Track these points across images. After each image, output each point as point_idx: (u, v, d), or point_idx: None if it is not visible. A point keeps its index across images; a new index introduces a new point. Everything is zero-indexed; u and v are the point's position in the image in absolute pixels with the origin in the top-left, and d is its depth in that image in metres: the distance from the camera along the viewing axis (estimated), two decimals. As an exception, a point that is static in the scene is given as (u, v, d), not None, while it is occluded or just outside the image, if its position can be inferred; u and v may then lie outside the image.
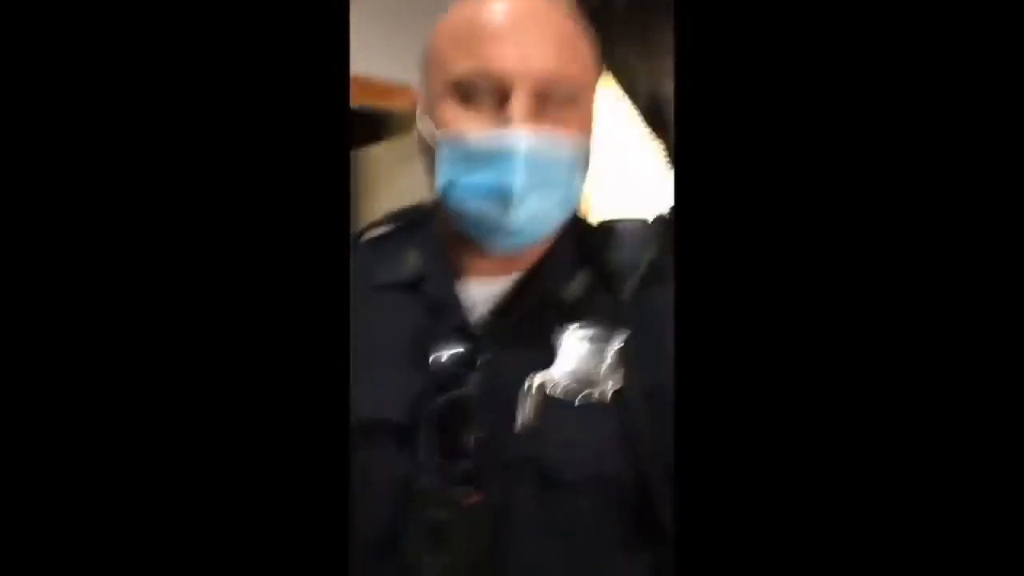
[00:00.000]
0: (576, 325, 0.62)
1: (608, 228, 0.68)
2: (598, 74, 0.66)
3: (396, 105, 2.63)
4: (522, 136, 0.58)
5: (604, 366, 0.61)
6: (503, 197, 0.58)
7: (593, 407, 0.60)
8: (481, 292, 0.66)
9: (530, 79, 0.58)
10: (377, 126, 2.91)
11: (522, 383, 0.60)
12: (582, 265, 0.65)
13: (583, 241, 0.67)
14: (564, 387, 0.60)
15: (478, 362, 0.61)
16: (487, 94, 0.59)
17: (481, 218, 0.61)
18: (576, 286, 0.64)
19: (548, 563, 0.60)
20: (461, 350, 0.61)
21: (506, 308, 0.65)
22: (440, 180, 0.62)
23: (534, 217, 0.61)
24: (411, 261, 0.68)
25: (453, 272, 0.67)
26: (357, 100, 2.45)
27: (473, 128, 0.60)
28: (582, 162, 0.63)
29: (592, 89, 0.65)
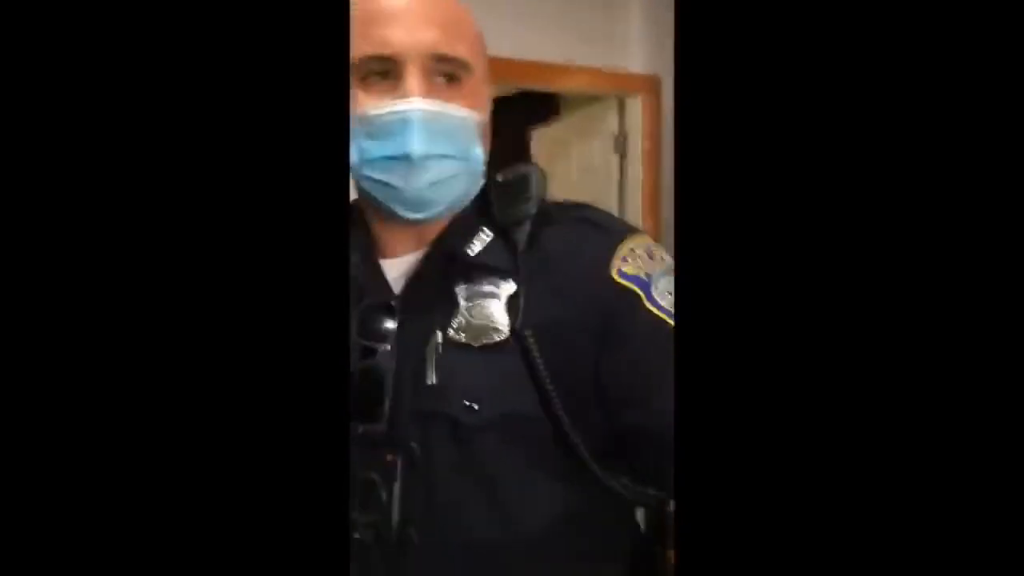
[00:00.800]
0: (476, 278, 0.67)
1: (501, 184, 0.72)
2: (484, 55, 0.70)
3: (566, 85, 2.66)
4: (417, 106, 0.63)
5: (500, 311, 0.66)
6: (405, 164, 0.63)
7: (493, 350, 0.65)
8: (400, 267, 0.71)
9: (420, 56, 0.63)
10: (548, 106, 2.97)
11: (429, 341, 0.66)
12: (482, 224, 0.70)
13: (484, 202, 0.71)
14: (465, 334, 0.66)
15: (392, 332, 0.67)
16: (384, 74, 0.64)
17: (388, 188, 0.65)
18: (476, 244, 0.69)
19: (471, 506, 0.65)
20: (380, 323, 0.68)
21: (418, 277, 0.70)
22: (352, 157, 0.65)
23: (436, 184, 0.65)
24: None
25: (375, 254, 0.72)
26: (528, 82, 2.51)
27: (374, 106, 0.64)
28: (478, 135, 0.68)
29: (480, 69, 0.68)
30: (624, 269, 0.65)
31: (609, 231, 0.69)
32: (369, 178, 0.65)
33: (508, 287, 0.66)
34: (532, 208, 0.69)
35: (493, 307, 0.66)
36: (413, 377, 0.66)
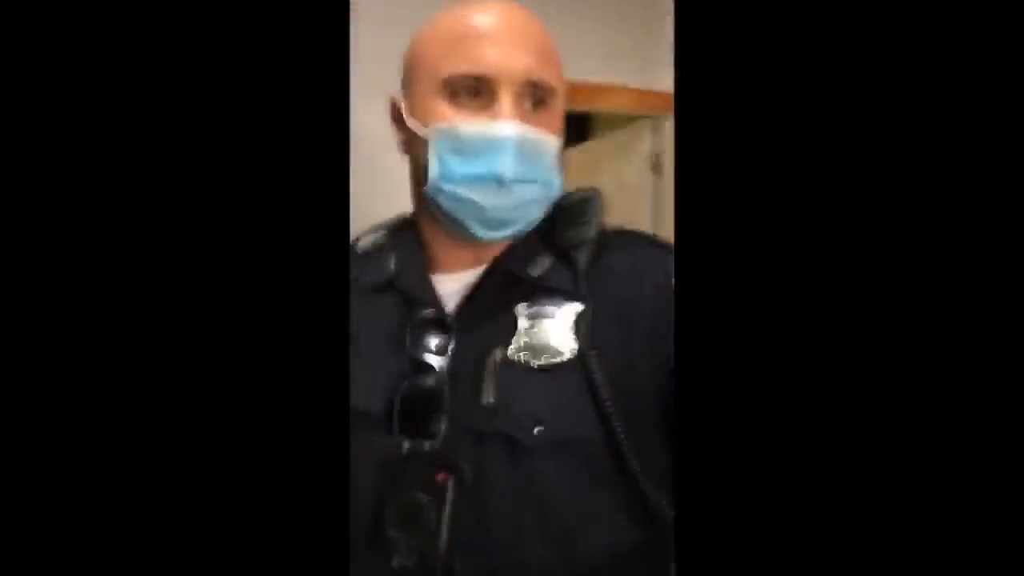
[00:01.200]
0: (538, 299, 0.66)
1: (563, 207, 0.71)
2: (564, 81, 0.70)
3: (602, 105, 2.67)
4: (512, 130, 0.63)
5: (563, 332, 0.64)
6: (495, 183, 0.63)
7: (554, 371, 0.63)
8: (455, 283, 0.70)
9: (513, 79, 0.63)
10: (580, 127, 2.98)
11: (488, 359, 0.64)
12: (544, 246, 0.69)
13: (546, 224, 0.70)
14: (527, 355, 0.64)
15: (447, 348, 0.66)
16: (475, 92, 0.64)
17: (471, 205, 0.64)
18: (538, 265, 0.68)
19: (524, 530, 0.62)
20: (432, 338, 0.66)
21: (475, 294, 0.69)
22: (433, 171, 0.65)
23: (519, 206, 0.65)
24: (388, 264, 0.73)
25: (427, 268, 0.71)
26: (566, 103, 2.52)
27: (463, 122, 0.64)
28: (557, 160, 0.68)
29: (561, 96, 0.69)
30: None
31: (670, 250, 0.68)
32: (451, 193, 0.64)
33: (570, 308, 0.65)
34: (592, 231, 0.69)
35: (555, 328, 0.65)
36: (467, 395, 0.64)
